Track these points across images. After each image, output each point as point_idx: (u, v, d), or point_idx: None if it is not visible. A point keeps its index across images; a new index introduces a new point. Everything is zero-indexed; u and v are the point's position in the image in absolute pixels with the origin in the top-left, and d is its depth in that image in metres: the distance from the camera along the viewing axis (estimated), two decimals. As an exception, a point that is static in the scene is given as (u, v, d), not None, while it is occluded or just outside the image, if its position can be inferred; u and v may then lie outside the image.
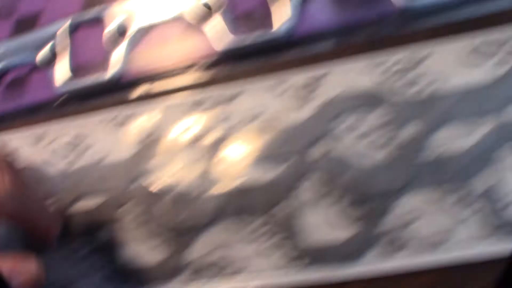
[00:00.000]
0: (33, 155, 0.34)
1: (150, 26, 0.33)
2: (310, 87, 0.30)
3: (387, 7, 0.29)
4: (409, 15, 0.29)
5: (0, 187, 0.26)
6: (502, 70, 0.28)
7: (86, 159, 0.33)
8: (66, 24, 0.34)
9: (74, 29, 0.34)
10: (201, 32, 0.32)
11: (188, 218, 0.30)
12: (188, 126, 0.31)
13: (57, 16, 0.35)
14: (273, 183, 0.29)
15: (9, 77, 0.36)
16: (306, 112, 0.30)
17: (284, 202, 0.29)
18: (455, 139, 0.27)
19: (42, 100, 0.34)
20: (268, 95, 0.30)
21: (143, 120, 0.32)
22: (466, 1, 0.29)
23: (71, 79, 0.33)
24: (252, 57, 0.31)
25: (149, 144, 0.32)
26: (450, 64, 0.29)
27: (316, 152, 0.29)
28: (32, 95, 0.34)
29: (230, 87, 0.31)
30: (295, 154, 0.29)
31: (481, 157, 0.27)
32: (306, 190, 0.29)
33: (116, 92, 0.33)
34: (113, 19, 0.33)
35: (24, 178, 0.29)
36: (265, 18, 0.31)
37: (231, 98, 0.31)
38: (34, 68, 0.35)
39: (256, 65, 0.31)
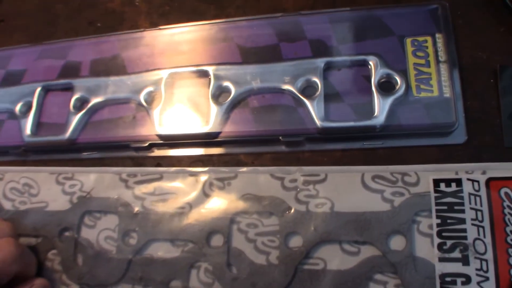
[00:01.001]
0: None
1: (107, 101, 0.39)
2: (223, 183, 0.35)
3: (307, 125, 0.34)
4: (325, 135, 0.34)
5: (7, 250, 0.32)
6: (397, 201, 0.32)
7: (32, 204, 0.38)
8: (40, 86, 0.41)
9: (46, 92, 0.41)
10: (147, 116, 0.37)
11: (96, 275, 0.34)
12: (119, 194, 0.36)
13: (36, 78, 0.42)
14: (171, 262, 0.34)
15: None
16: (214, 204, 0.34)
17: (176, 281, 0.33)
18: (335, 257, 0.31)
19: (10, 144, 0.40)
20: (186, 183, 0.35)
21: (85, 179, 0.38)
22: (382, 131, 0.34)
23: (35, 133, 0.39)
24: (183, 146, 0.37)
25: (83, 201, 0.37)
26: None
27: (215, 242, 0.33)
28: (5, 139, 0.40)
29: (156, 170, 0.36)
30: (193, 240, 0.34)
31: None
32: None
33: (70, 152, 0.39)
34: (81, 89, 0.39)
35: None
36: (203, 117, 0.36)
37: (158, 179, 0.36)
38: (11, 116, 0.41)
39: (184, 155, 0.37)
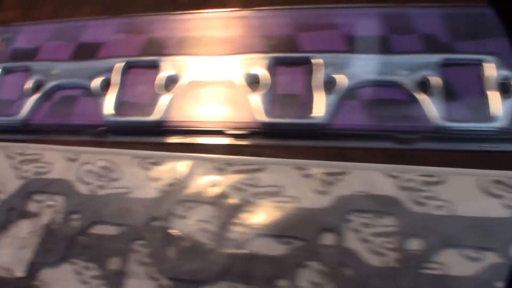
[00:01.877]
0: (66, 171, 0.37)
1: (200, 82, 0.36)
2: (332, 178, 0.33)
3: (422, 122, 0.33)
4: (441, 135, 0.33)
5: None
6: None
7: (113, 189, 0.35)
8: (123, 62, 0.38)
9: (128, 68, 0.38)
10: (245, 100, 0.35)
11: (193, 271, 0.32)
12: (214, 183, 0.34)
13: (115, 53, 0.39)
14: (278, 259, 0.32)
15: (60, 95, 0.39)
16: (324, 200, 0.32)
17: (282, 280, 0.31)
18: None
19: (86, 123, 0.37)
20: (291, 177, 0.33)
21: (173, 166, 0.35)
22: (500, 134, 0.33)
23: (117, 112, 0.36)
24: (284, 137, 0.34)
25: (174, 190, 0.34)
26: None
27: (326, 240, 0.31)
28: (79, 117, 0.37)
29: (257, 160, 0.34)
30: (304, 238, 0.32)
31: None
32: (304, 276, 0.31)
33: (155, 135, 0.36)
34: (168, 68, 0.37)
35: None
36: (306, 105, 0.34)
37: (259, 170, 0.34)
38: (86, 93, 0.38)
39: (285, 145, 0.34)
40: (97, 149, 0.37)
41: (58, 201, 0.36)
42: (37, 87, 0.40)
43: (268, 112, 0.35)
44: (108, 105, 0.37)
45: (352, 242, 0.32)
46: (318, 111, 0.34)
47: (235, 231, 0.33)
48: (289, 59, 0.37)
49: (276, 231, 0.32)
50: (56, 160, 0.38)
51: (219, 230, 0.33)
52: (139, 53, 0.39)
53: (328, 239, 0.32)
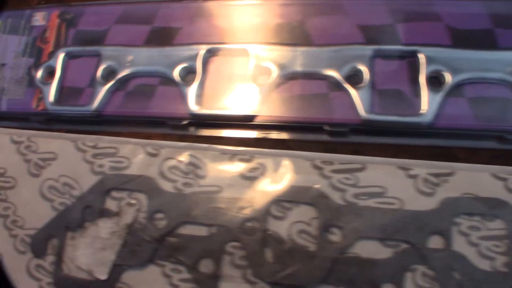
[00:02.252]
0: (146, 166, 0.34)
1: (295, 74, 0.34)
2: (438, 179, 0.32)
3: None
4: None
5: None
6: None
7: (200, 186, 0.34)
8: (204, 49, 0.35)
9: (210, 56, 0.35)
10: (344, 95, 0.33)
11: (294, 275, 0.31)
12: (312, 182, 0.32)
13: (195, 39, 0.36)
14: (383, 263, 0.31)
15: (135, 83, 0.36)
16: (429, 202, 0.31)
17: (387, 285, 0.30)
18: None
19: (166, 115, 0.35)
20: (394, 177, 0.32)
21: (265, 164, 0.33)
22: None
23: (200, 104, 0.34)
24: (385, 135, 0.33)
25: (269, 189, 0.33)
26: None
27: (433, 244, 0.30)
28: (158, 108, 0.35)
29: (358, 158, 0.33)
30: (411, 241, 0.31)
31: None
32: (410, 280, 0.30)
33: (244, 128, 0.34)
34: (255, 57, 0.34)
35: None
36: (409, 102, 0.33)
37: (359, 169, 0.32)
38: (165, 82, 0.35)
39: (387, 143, 0.33)
40: (181, 144, 0.35)
41: (140, 199, 0.35)
42: (108, 74, 0.37)
43: (368, 108, 0.33)
44: (192, 96, 0.35)
45: (461, 245, 0.31)
46: (423, 109, 0.32)
47: (337, 234, 0.32)
48: (391, 52, 0.34)
49: (381, 234, 0.31)
50: (135, 155, 0.36)
51: (320, 232, 0.32)
52: (221, 39, 0.36)
53: (435, 242, 0.31)
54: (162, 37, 0.37)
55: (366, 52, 0.34)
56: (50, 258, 0.35)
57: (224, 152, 0.34)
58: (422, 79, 0.33)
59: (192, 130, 0.36)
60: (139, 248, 0.33)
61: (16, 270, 0.36)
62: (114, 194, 0.35)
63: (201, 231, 0.33)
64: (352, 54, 0.34)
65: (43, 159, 0.37)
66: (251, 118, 0.34)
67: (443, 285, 0.30)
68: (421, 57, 0.33)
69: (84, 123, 0.38)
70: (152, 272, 0.33)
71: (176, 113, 0.35)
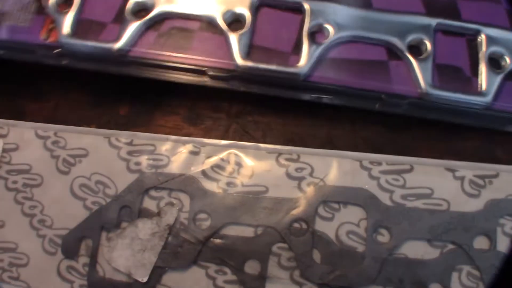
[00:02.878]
0: (188, 165, 0.33)
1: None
2: (483, 181, 0.32)
3: None
4: None
5: None
6: None
7: (246, 186, 0.33)
8: None
9: (260, 5, 0.34)
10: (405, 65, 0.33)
11: (342, 275, 0.31)
12: (359, 183, 0.32)
13: None
14: (431, 263, 0.31)
15: (169, 25, 0.34)
16: (475, 203, 0.32)
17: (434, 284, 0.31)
18: None
19: (207, 63, 0.33)
20: (441, 178, 0.32)
21: (313, 163, 0.33)
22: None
23: (246, 57, 0.33)
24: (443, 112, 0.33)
25: (316, 189, 0.32)
26: None
27: (478, 244, 0.31)
28: (197, 54, 0.33)
29: (406, 159, 0.33)
30: (458, 242, 0.31)
31: None
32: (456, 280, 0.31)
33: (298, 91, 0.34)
34: (315, 13, 0.33)
35: None
36: (468, 80, 0.33)
37: (407, 170, 0.32)
38: (206, 27, 0.34)
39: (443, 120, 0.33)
40: (224, 142, 0.34)
41: (182, 199, 0.33)
42: (138, 10, 0.34)
43: (428, 82, 0.32)
44: (239, 46, 0.33)
45: (505, 246, 0.32)
46: (483, 88, 0.32)
47: (385, 235, 0.32)
48: (454, 28, 0.34)
49: (428, 235, 0.32)
50: (174, 152, 0.34)
51: (368, 233, 0.32)
52: None
53: (481, 243, 0.32)
54: None
55: (430, 24, 0.33)
56: (83, 259, 0.34)
57: (269, 151, 0.34)
58: (482, 58, 0.33)
59: (234, 84, 0.34)
60: (182, 249, 0.32)
61: (45, 271, 0.34)
62: (153, 193, 0.34)
63: (247, 231, 0.32)
64: (415, 23, 0.33)
65: (73, 156, 0.35)
66: (303, 78, 0.33)
67: (488, 284, 0.31)
68: (483, 36, 0.33)
69: (104, 62, 0.34)
70: (195, 273, 0.32)
71: (218, 62, 0.33)
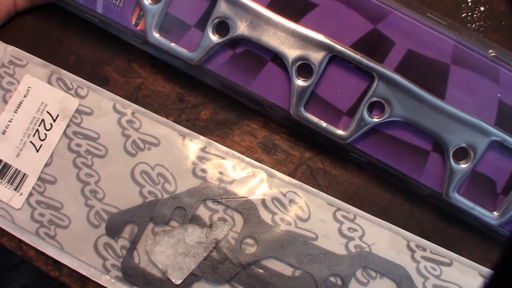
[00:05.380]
0: (252, 190, 0.35)
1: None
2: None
3: None
4: None
5: None
6: None
7: (299, 228, 0.35)
8: (329, 52, 0.35)
9: (330, 60, 0.36)
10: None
11: None
12: (400, 260, 0.35)
13: (323, 28, 0.36)
14: None
15: (245, 48, 0.36)
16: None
17: None
18: None
19: (265, 100, 0.35)
20: (475, 281, 0.35)
21: (366, 229, 0.35)
22: None
23: (305, 108, 0.35)
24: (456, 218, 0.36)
25: (361, 254, 0.35)
26: None
27: None
28: (261, 88, 0.35)
29: (449, 254, 0.35)
30: None
31: None
32: None
33: (336, 150, 0.35)
34: (382, 85, 0.35)
35: None
36: (496, 197, 0.35)
37: (447, 263, 0.35)
38: (277, 62, 0.35)
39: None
40: (292, 180, 0.36)
41: (235, 219, 0.35)
42: (219, 26, 0.34)
43: (454, 187, 0.34)
44: (299, 95, 0.34)
45: None
46: (497, 212, 0.35)
47: (408, 314, 0.35)
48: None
49: None
50: (241, 173, 0.36)
51: (395, 308, 0.35)
52: (357, 40, 0.35)
53: None
54: (288, 6, 0.35)
55: (490, 136, 0.33)
56: (123, 241, 0.36)
57: (330, 203, 0.35)
58: None
59: (287, 123, 0.36)
60: (222, 266, 0.34)
61: (83, 240, 0.36)
62: (210, 204, 0.35)
63: (286, 270, 0.35)
64: (476, 130, 0.33)
65: (144, 141, 0.36)
66: (347, 142, 0.34)
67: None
68: None
69: (184, 63, 0.36)
70: (226, 291, 0.34)
71: (277, 100, 0.34)
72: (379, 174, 0.37)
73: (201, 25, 0.35)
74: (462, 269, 0.36)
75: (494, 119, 0.34)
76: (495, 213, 0.35)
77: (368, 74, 0.34)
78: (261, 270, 0.35)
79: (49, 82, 0.38)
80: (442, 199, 0.35)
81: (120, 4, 0.36)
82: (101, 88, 0.38)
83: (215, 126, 0.38)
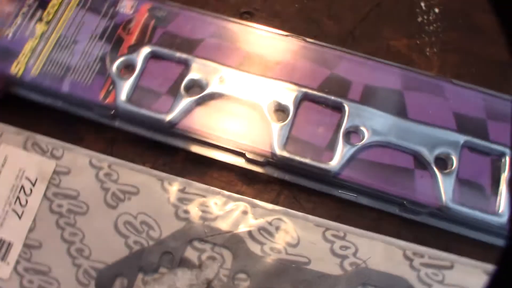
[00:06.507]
0: (236, 223, 0.35)
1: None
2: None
3: None
4: None
5: None
6: None
7: (289, 255, 0.34)
8: (299, 92, 0.36)
9: (302, 99, 0.37)
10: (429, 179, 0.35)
11: None
12: (400, 272, 0.34)
13: (289, 76, 0.37)
14: None
15: (216, 103, 0.36)
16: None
17: None
18: None
19: (245, 148, 0.36)
20: (480, 280, 0.34)
21: (359, 245, 0.35)
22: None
23: (285, 148, 0.35)
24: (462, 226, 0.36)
25: (359, 272, 0.34)
26: None
27: None
28: (238, 136, 0.36)
29: (448, 256, 0.34)
30: None
31: None
32: None
33: (323, 183, 0.35)
34: (353, 115, 0.36)
35: None
36: (490, 199, 0.35)
37: (447, 267, 0.34)
38: (250, 109, 0.36)
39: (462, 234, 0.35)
40: (276, 207, 0.36)
41: (224, 256, 0.35)
42: (192, 87, 0.37)
43: (449, 196, 0.35)
44: (278, 136, 0.36)
45: None
46: (501, 209, 0.35)
47: (418, 327, 0.33)
48: (481, 147, 0.36)
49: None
50: (224, 209, 0.36)
51: (404, 323, 0.33)
52: (317, 86, 0.37)
53: None
54: (257, 65, 0.38)
55: (459, 140, 0.36)
56: (114, 296, 0.35)
57: (317, 224, 0.35)
58: (504, 180, 0.36)
59: (269, 170, 0.37)
60: (217, 306, 0.34)
61: (74, 302, 0.35)
62: (197, 244, 0.35)
63: (284, 300, 0.34)
64: (445, 138, 0.36)
65: (123, 191, 0.37)
66: (333, 175, 0.35)
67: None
68: (507, 159, 0.36)
69: (153, 131, 0.38)
70: (226, 332, 0.33)
71: (257, 148, 0.36)
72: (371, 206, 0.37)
73: (173, 92, 0.38)
74: (464, 270, 0.35)
75: (456, 128, 0.37)
76: (498, 212, 0.35)
77: (337, 110, 0.37)
78: (257, 304, 0.34)
79: (25, 148, 0.39)
80: (441, 214, 0.35)
81: (89, 82, 0.38)
82: (76, 146, 0.38)
83: (192, 166, 0.38)
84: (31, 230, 0.37)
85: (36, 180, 0.38)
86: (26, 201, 0.37)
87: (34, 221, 0.37)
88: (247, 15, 0.43)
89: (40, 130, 0.39)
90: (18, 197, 0.38)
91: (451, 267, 0.35)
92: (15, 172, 0.38)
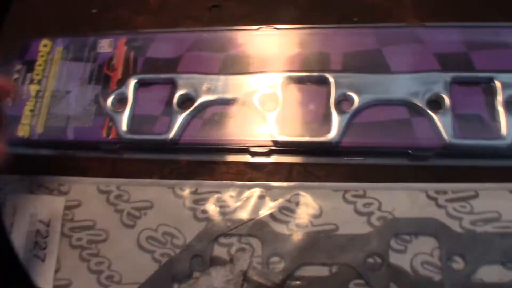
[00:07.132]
0: (256, 210, 0.35)
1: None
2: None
3: None
4: None
5: None
6: None
7: (316, 226, 0.34)
8: (282, 77, 0.37)
9: (288, 84, 0.37)
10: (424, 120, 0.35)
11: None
12: (428, 213, 0.34)
13: (268, 66, 0.38)
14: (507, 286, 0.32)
15: (212, 111, 0.37)
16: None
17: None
18: None
19: (248, 142, 0.36)
20: (508, 200, 0.34)
21: (378, 198, 0.35)
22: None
23: (283, 132, 0.35)
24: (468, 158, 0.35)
25: (386, 223, 0.34)
26: None
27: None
28: (238, 135, 0.36)
29: (471, 186, 0.34)
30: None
31: None
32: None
33: (327, 155, 0.35)
34: (339, 84, 0.36)
35: None
36: (489, 126, 0.35)
37: (473, 196, 0.34)
38: (242, 108, 0.37)
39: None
40: (289, 184, 0.36)
41: (252, 244, 0.35)
42: (184, 102, 0.38)
43: (450, 133, 0.35)
44: (274, 123, 0.36)
45: None
46: (503, 132, 0.35)
47: (459, 262, 0.33)
48: (468, 79, 0.37)
49: (502, 258, 0.33)
50: (240, 199, 0.36)
51: (443, 262, 0.33)
52: (297, 68, 0.38)
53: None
54: (236, 65, 0.39)
55: (445, 79, 0.37)
56: (156, 313, 0.35)
57: (335, 189, 0.35)
58: (499, 104, 0.36)
59: (276, 157, 0.37)
60: (259, 294, 0.33)
61: (118, 329, 0.35)
62: (223, 240, 0.35)
63: (322, 271, 0.34)
64: (431, 80, 0.37)
65: (138, 208, 0.37)
66: (334, 145, 0.35)
67: None
68: (497, 83, 0.36)
69: (159, 151, 0.38)
70: (274, 317, 0.33)
71: (258, 140, 0.36)
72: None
73: (167, 112, 0.38)
74: (490, 194, 0.35)
75: (440, 68, 0.37)
76: (502, 135, 0.34)
77: (323, 84, 0.37)
78: (298, 282, 0.34)
79: (31, 192, 0.39)
80: (448, 152, 0.35)
81: (90, 125, 0.39)
82: (81, 177, 0.39)
83: (198, 167, 0.38)
84: (57, 270, 0.36)
85: (49, 220, 0.38)
86: (46, 243, 0.37)
87: (58, 261, 0.37)
88: (215, 8, 0.44)
89: (41, 171, 0.39)
90: (36, 242, 0.37)
91: (476, 196, 0.35)
92: (27, 218, 0.38)
